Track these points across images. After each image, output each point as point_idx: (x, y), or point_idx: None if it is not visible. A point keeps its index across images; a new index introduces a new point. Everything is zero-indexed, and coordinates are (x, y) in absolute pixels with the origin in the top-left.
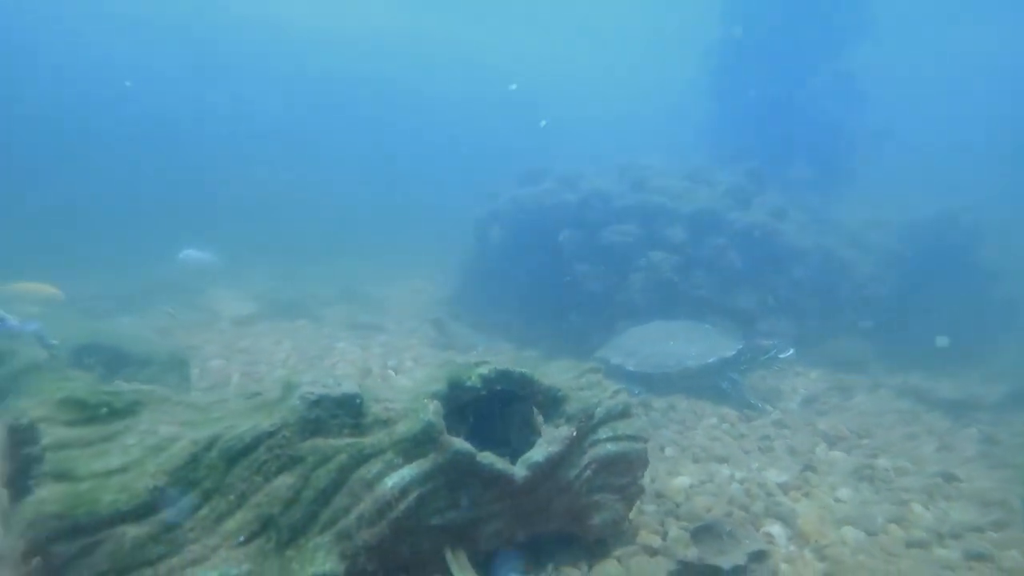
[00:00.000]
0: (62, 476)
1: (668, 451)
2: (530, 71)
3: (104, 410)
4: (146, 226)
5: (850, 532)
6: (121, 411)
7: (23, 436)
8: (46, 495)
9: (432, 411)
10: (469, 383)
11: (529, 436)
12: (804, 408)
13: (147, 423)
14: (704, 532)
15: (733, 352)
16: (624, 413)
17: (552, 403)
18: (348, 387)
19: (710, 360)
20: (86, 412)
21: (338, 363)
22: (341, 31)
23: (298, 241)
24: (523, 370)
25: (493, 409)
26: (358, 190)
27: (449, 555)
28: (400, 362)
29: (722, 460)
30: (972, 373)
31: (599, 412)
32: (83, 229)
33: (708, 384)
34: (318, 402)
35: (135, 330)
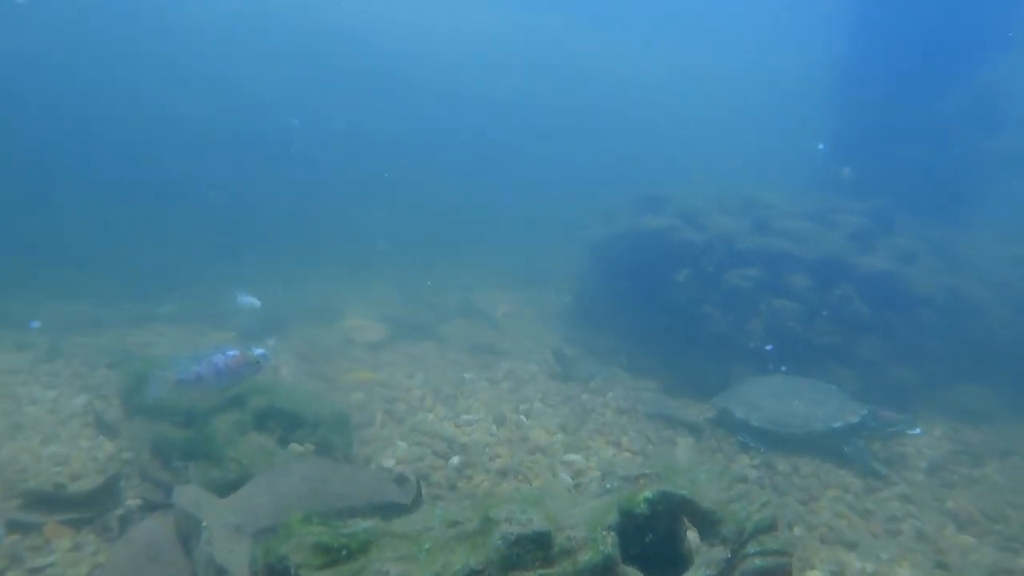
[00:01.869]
0: None
1: (796, 530)
2: (637, 75)
3: (344, 552)
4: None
5: None
6: (356, 551)
7: None
8: None
9: (610, 543)
10: (638, 511)
11: (676, 529)
12: (930, 477)
13: (377, 562)
14: None
15: (858, 418)
16: (771, 527)
17: (708, 524)
18: (539, 524)
19: (835, 425)
20: (331, 555)
21: (472, 405)
22: (439, 37)
23: (413, 248)
24: (683, 492)
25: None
26: (462, 197)
27: None
28: (530, 405)
29: (851, 546)
30: None
31: (748, 527)
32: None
33: (831, 446)
34: (516, 541)
35: (303, 391)
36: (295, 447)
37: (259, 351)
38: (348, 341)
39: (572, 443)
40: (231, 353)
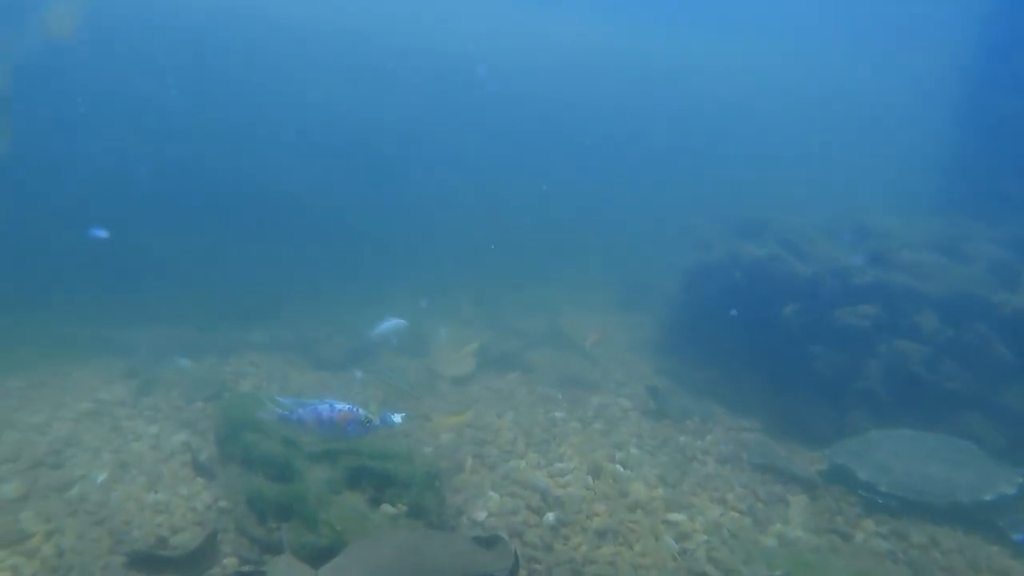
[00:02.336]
0: None
1: None
2: (739, 86)
3: None
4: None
5: None
6: None
7: None
8: None
9: None
10: None
11: None
12: None
13: None
14: None
15: (1015, 489)
16: None
17: None
18: None
19: (986, 498)
20: None
21: (565, 452)
22: (530, 54)
23: (492, 263)
24: None
25: None
26: (545, 209)
27: None
28: (626, 452)
29: None
30: None
31: None
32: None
33: (978, 517)
34: None
35: (395, 446)
36: (387, 509)
37: (396, 416)
38: (434, 374)
39: (674, 499)
40: (339, 407)
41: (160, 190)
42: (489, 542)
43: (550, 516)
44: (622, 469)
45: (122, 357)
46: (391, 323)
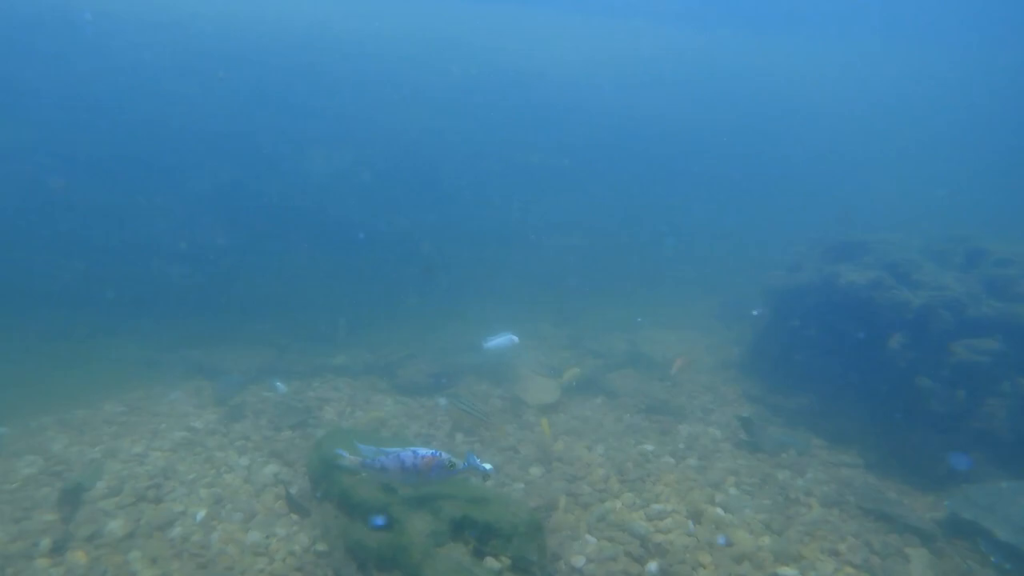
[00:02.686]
0: None
1: None
2: (826, 93)
3: None
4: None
5: None
6: None
7: None
8: None
9: None
10: None
11: None
12: None
13: None
14: None
15: None
16: None
17: None
18: None
19: None
20: None
21: (661, 491)
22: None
23: (572, 281)
24: None
25: None
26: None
27: None
28: (725, 494)
29: None
30: None
31: None
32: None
33: None
34: None
35: (496, 495)
36: (491, 562)
37: (486, 467)
38: (519, 401)
39: (782, 550)
40: (422, 453)
41: (240, 215)
42: None
43: (652, 566)
44: (723, 513)
45: (210, 380)
46: (504, 338)
